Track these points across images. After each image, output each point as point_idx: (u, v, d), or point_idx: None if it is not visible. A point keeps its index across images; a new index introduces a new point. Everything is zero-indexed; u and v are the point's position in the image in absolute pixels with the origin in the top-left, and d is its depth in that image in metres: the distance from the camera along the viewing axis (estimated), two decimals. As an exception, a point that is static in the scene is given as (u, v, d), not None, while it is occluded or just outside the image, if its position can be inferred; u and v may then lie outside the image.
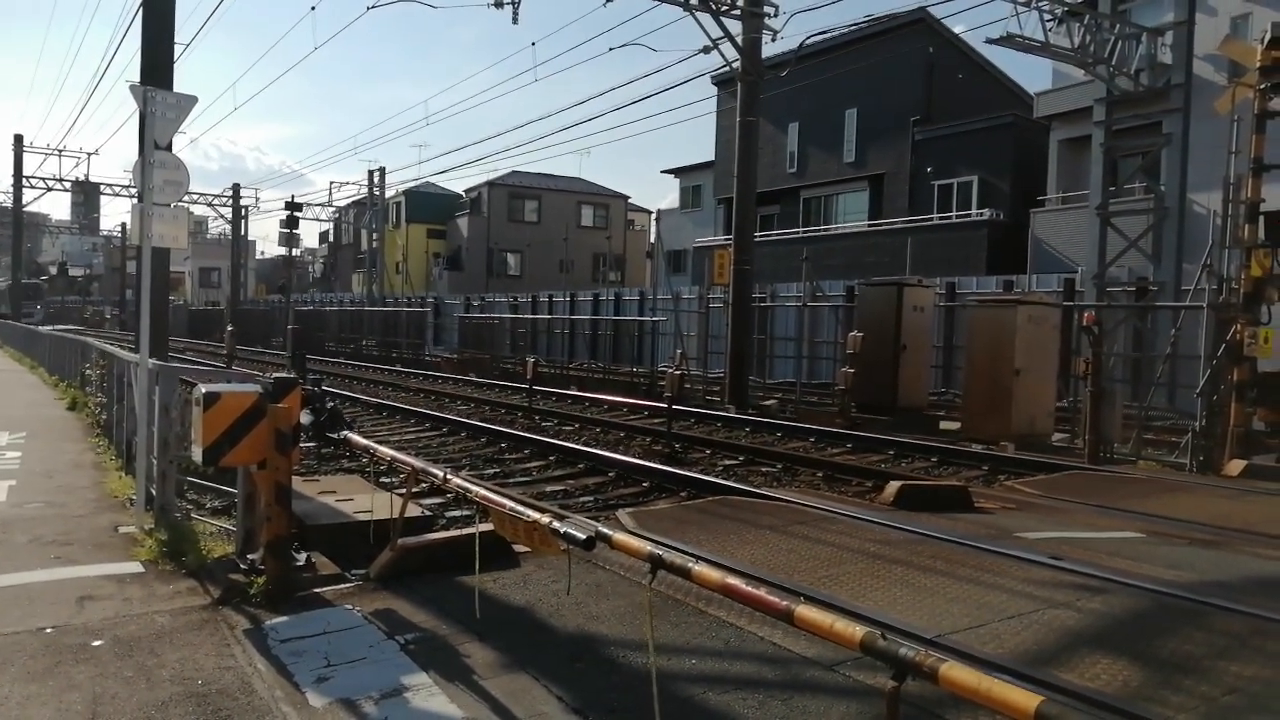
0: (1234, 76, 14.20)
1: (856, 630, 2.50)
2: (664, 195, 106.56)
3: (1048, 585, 5.60)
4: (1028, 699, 2.02)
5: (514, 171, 54.04)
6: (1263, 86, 11.52)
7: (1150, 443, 13.95)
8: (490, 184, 56.34)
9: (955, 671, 2.21)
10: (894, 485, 8.62)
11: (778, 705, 3.94)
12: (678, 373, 13.78)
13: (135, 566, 6.10)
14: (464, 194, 60.45)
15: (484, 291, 46.96)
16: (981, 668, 2.66)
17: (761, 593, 2.86)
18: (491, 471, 10.95)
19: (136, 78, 11.50)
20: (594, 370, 28.32)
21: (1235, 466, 11.13)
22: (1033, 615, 5.01)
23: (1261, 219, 11.51)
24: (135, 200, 7.49)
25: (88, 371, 15.13)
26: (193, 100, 7.63)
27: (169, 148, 7.76)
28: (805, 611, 2.67)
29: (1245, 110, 12.01)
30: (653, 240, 53.19)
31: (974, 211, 30.80)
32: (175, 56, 11.68)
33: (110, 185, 50.70)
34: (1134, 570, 5.99)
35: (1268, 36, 11.55)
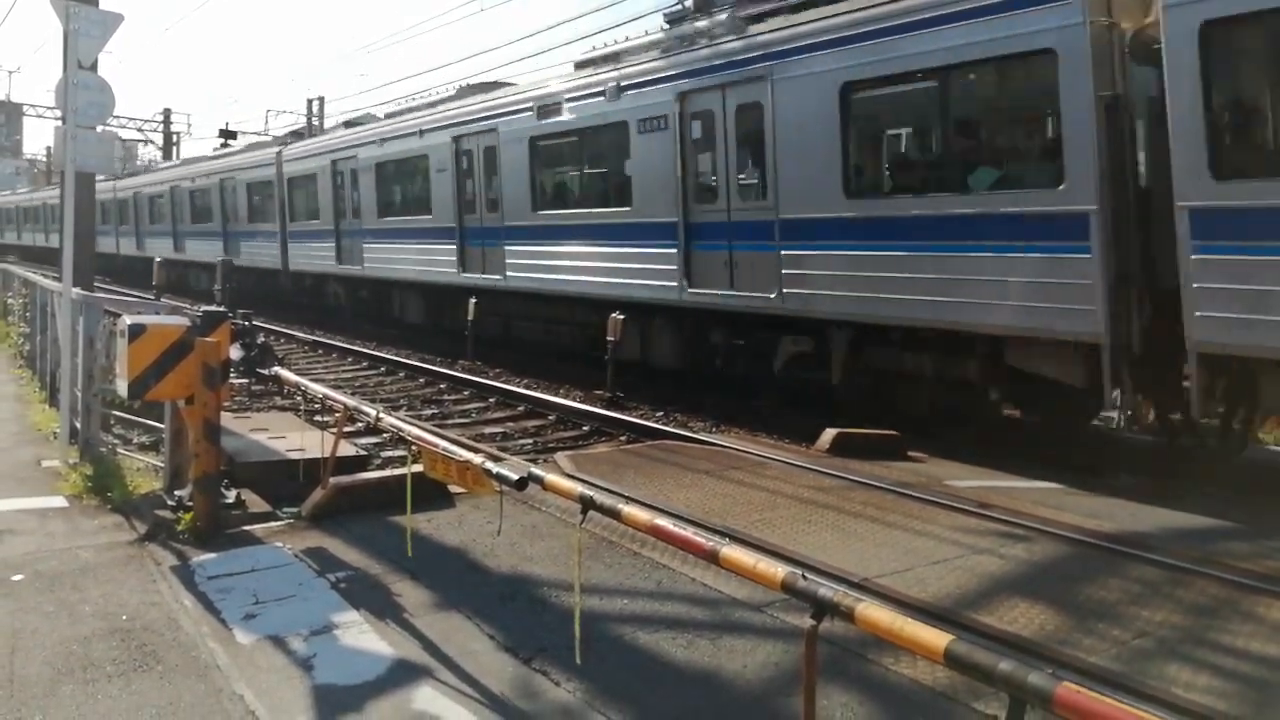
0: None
1: (779, 571, 2.54)
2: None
3: (973, 532, 5.75)
4: (939, 638, 2.07)
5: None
6: None
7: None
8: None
9: (871, 611, 2.26)
10: (830, 432, 8.72)
11: (705, 644, 4.01)
12: (621, 316, 13.70)
13: (59, 501, 5.97)
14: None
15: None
16: (903, 610, 2.73)
17: (689, 533, 2.89)
18: (430, 412, 10.87)
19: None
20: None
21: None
22: (957, 561, 5.15)
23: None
24: (59, 122, 7.20)
25: (10, 300, 14.64)
26: (119, 18, 7.32)
27: (94, 68, 7.44)
28: (730, 552, 2.70)
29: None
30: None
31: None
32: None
33: (34, 106, 48.62)
34: (1056, 519, 6.17)
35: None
